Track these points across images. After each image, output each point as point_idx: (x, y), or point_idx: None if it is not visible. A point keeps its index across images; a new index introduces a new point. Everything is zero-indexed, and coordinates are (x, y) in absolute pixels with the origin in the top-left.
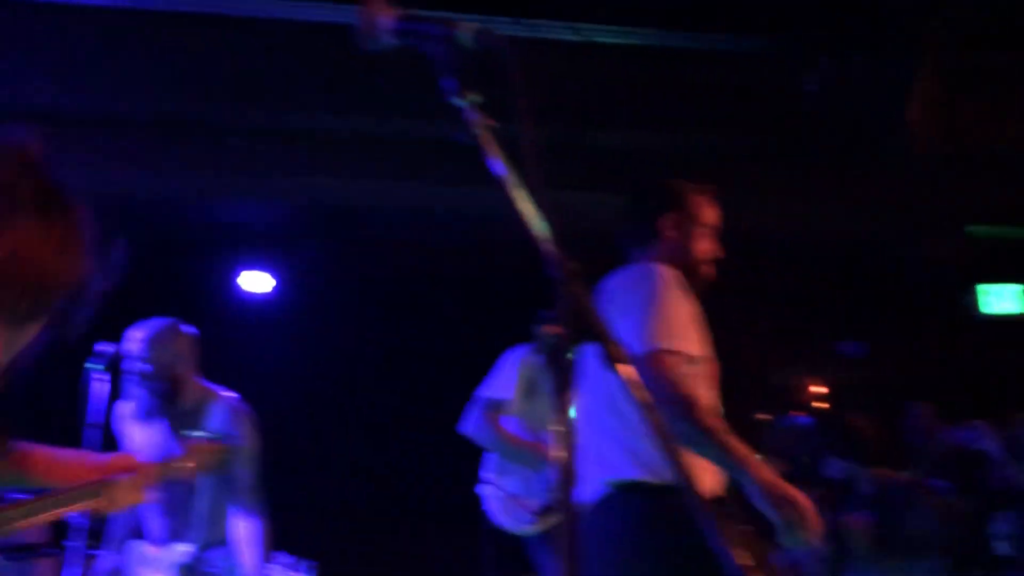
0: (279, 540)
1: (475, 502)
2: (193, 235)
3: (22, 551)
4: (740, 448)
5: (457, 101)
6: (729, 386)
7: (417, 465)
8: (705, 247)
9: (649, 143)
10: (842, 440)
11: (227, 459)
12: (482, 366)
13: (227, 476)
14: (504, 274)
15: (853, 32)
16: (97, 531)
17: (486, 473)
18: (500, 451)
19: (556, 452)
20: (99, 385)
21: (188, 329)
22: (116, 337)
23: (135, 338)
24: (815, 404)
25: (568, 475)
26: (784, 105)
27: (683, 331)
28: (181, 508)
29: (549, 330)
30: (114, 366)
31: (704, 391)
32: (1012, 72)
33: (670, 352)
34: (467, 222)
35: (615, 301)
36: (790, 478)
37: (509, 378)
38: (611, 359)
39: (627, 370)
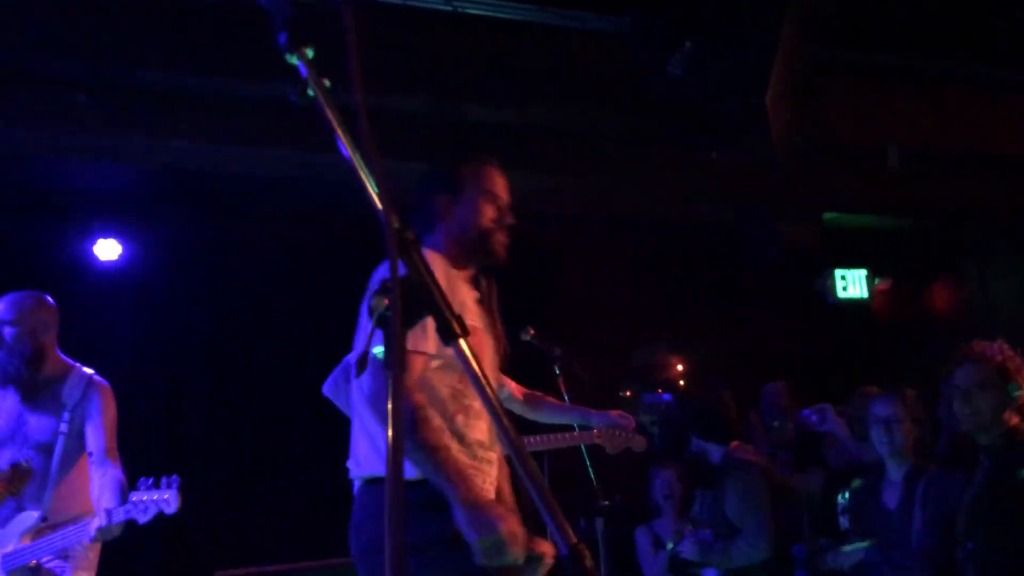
0: None
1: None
2: (41, 198)
3: None
4: (453, 466)
5: (290, 58)
6: (595, 363)
7: (281, 438)
8: (490, 217)
9: (518, 119)
10: (700, 417)
11: (24, 484)
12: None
13: (83, 449)
14: (373, 242)
15: (716, 17)
16: None
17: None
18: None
19: (386, 429)
20: None
21: (52, 302)
22: None
23: (2, 300)
24: (680, 383)
25: (397, 451)
26: (649, 87)
27: (425, 327)
28: (35, 476)
29: (382, 301)
30: None
31: (453, 380)
32: (868, 66)
33: (410, 353)
34: (332, 189)
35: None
36: (652, 454)
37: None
38: (448, 333)
39: (466, 345)
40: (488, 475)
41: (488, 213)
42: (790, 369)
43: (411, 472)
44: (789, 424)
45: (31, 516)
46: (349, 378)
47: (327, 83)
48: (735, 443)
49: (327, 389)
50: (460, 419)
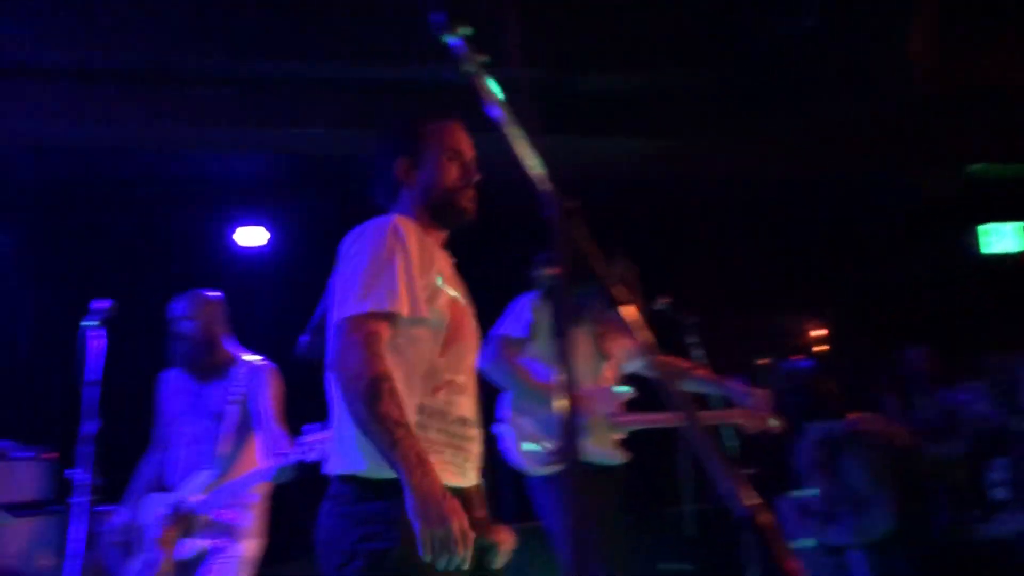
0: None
1: (491, 441)
2: (187, 189)
3: (26, 507)
4: (411, 447)
5: (447, 37)
6: (727, 331)
7: None
8: (453, 176)
9: (644, 84)
10: (816, 405)
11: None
12: (491, 310)
13: (251, 419)
14: (511, 218)
15: None
16: (107, 488)
17: (503, 412)
18: (514, 388)
19: (558, 399)
20: (95, 342)
21: (222, 298)
22: (111, 293)
23: (181, 299)
24: (817, 347)
25: (571, 422)
26: (782, 41)
27: (397, 289)
28: (208, 441)
29: (547, 271)
30: (109, 322)
31: (434, 353)
32: (1014, 8)
33: (373, 315)
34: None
35: (339, 264)
36: (793, 421)
37: (523, 317)
38: (612, 300)
39: (629, 311)
40: (471, 453)
41: (452, 171)
42: (937, 329)
43: (364, 468)
44: (932, 396)
45: (206, 474)
46: (500, 350)
47: (485, 59)
48: (856, 414)
49: (483, 364)
50: (442, 395)
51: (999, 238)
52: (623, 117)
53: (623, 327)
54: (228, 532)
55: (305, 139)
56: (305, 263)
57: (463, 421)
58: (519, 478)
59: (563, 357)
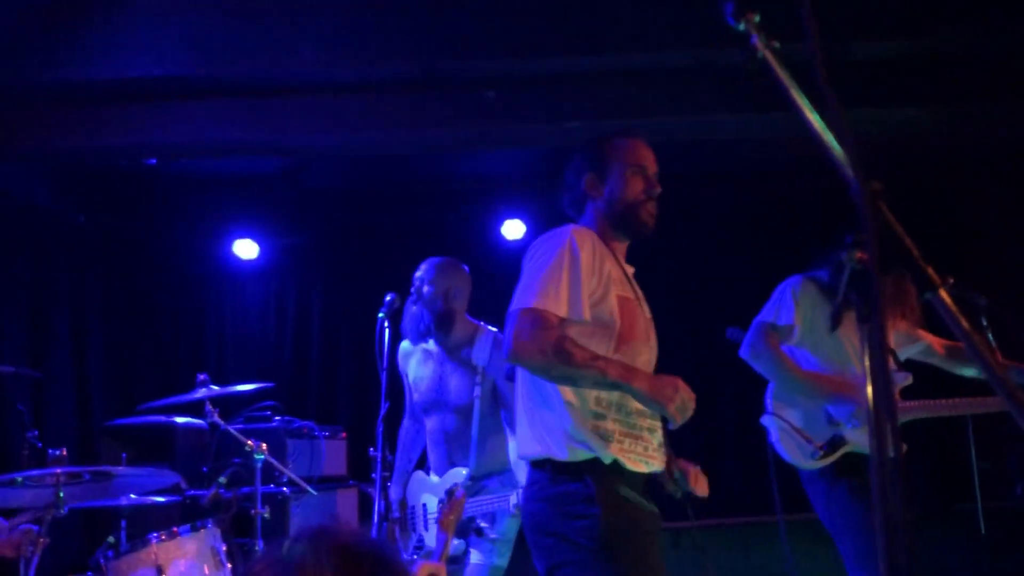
0: None
1: (761, 433)
2: (456, 188)
3: (326, 481)
4: (615, 366)
5: (738, 24)
6: None
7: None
8: (638, 189)
9: (914, 49)
10: None
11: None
12: (758, 295)
13: (497, 408)
14: (773, 203)
15: None
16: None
17: (768, 403)
18: (776, 377)
19: (863, 386)
20: (385, 331)
21: (466, 270)
22: (393, 287)
23: (423, 264)
24: None
25: (885, 410)
26: None
27: (560, 294)
28: (459, 436)
29: (855, 255)
30: (392, 313)
31: (607, 350)
32: None
33: (539, 309)
34: (724, 152)
35: (523, 267)
36: None
37: (786, 304)
38: (929, 282)
39: (945, 295)
40: (649, 443)
41: (635, 185)
42: None
43: (558, 452)
44: None
45: (460, 473)
46: (764, 338)
47: (776, 45)
48: None
49: (746, 352)
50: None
51: None
52: (895, 85)
53: (944, 311)
54: (482, 533)
55: (561, 134)
56: None
57: (640, 413)
58: (791, 469)
59: (872, 344)
